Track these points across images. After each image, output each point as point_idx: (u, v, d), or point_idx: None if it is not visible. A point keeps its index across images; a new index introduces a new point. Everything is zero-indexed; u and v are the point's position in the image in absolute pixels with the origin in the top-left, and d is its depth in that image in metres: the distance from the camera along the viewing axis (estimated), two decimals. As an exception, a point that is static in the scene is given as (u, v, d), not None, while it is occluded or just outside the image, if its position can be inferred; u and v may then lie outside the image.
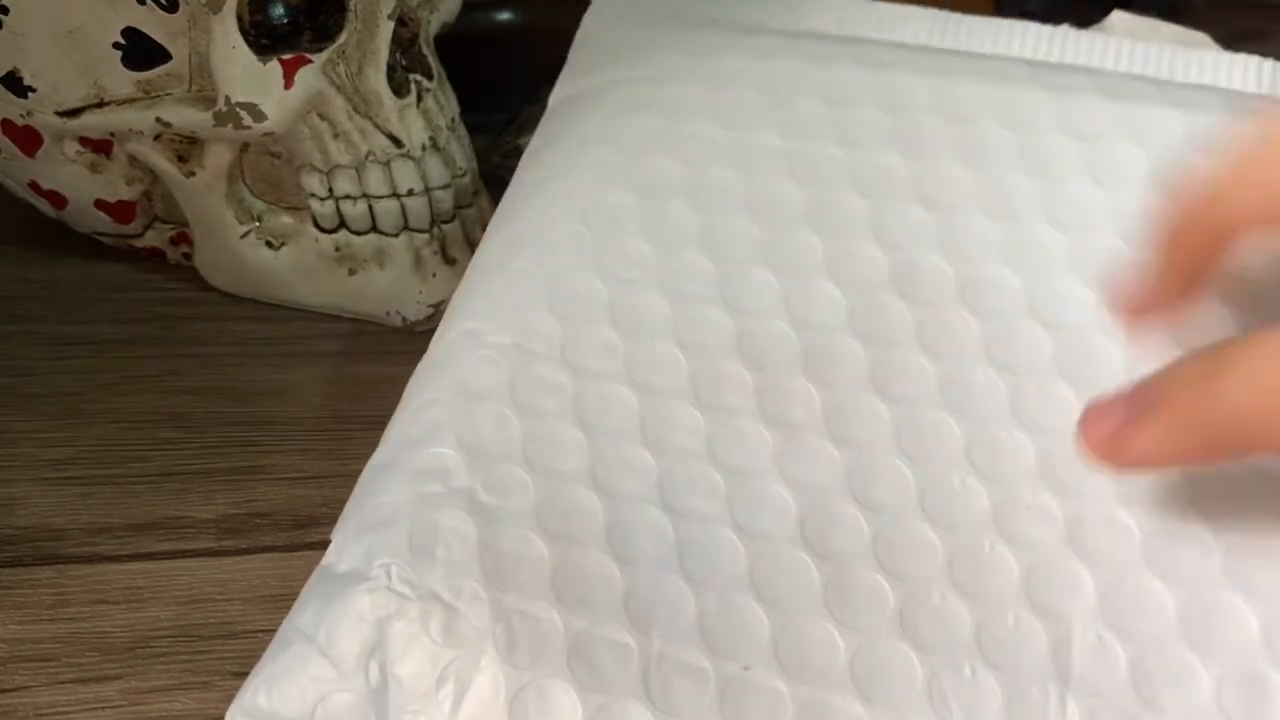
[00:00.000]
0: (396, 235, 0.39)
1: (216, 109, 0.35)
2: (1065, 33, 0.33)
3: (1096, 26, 0.34)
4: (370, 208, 0.38)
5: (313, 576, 0.26)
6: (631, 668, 0.24)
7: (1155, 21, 0.34)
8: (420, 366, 0.30)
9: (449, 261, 0.40)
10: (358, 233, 0.39)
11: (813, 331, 0.28)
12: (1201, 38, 0.34)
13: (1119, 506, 0.25)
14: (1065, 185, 0.30)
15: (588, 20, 0.38)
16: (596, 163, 0.32)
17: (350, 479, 0.28)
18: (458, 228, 0.40)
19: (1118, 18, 0.34)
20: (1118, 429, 0.23)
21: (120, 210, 0.41)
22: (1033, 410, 0.27)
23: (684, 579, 0.25)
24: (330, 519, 0.27)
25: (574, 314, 0.29)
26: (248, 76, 0.35)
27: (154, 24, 0.35)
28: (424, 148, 0.38)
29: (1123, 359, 0.27)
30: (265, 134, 0.36)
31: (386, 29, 0.37)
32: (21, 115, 0.37)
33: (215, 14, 0.34)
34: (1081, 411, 0.24)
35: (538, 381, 0.28)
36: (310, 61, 0.35)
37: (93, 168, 0.39)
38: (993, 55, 0.33)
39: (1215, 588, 0.24)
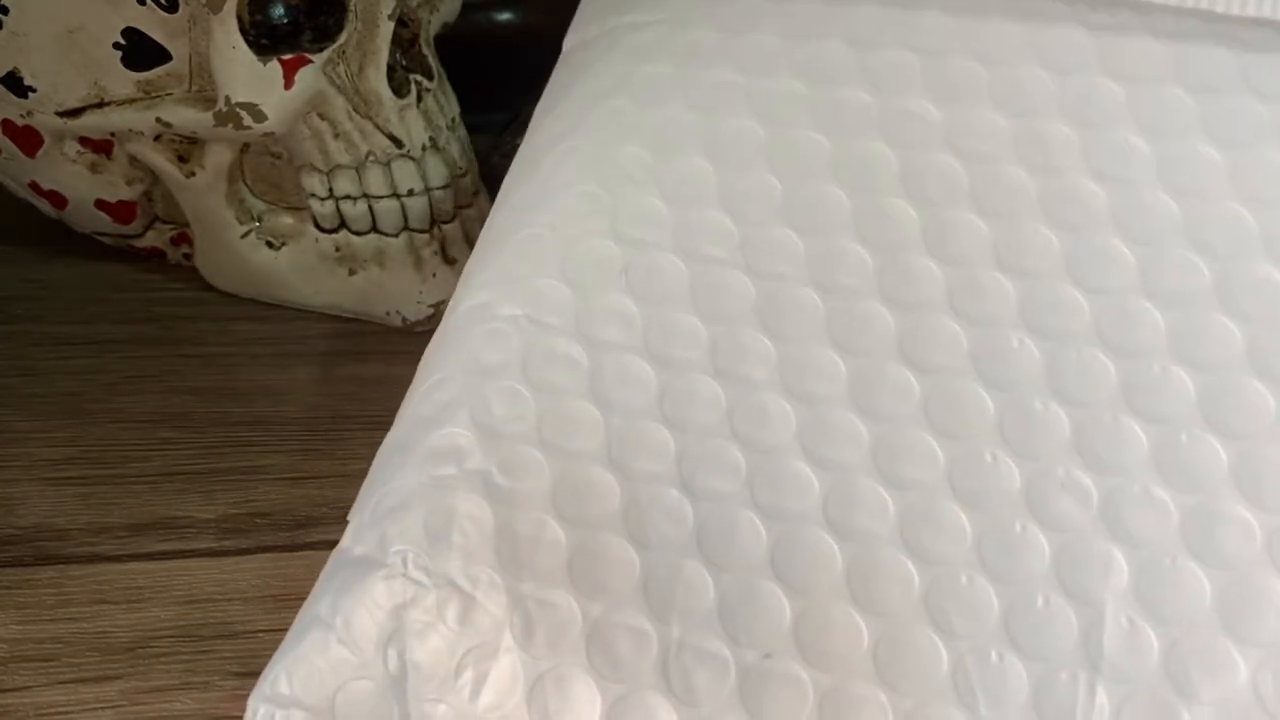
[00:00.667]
0: (397, 235, 0.39)
1: (217, 109, 0.35)
2: None
3: None
4: (370, 208, 0.38)
5: (329, 561, 0.26)
6: (650, 656, 0.24)
7: None
8: (432, 342, 0.29)
9: (449, 261, 0.40)
10: (358, 233, 0.39)
11: (838, 296, 0.27)
12: None
13: (1157, 484, 0.24)
14: (1109, 133, 0.28)
15: None
16: (609, 116, 0.30)
17: (350, 479, 0.28)
18: (458, 228, 0.40)
19: None
20: None
21: (120, 210, 0.41)
22: (1069, 380, 0.25)
23: (703, 563, 0.24)
24: (330, 519, 0.27)
25: (588, 281, 0.28)
26: (248, 76, 0.35)
27: (154, 24, 0.35)
28: (424, 148, 0.38)
29: (1165, 327, 0.26)
30: (265, 134, 0.36)
31: (386, 29, 0.37)
32: (22, 115, 0.37)
33: (215, 14, 0.34)
34: None
35: (551, 356, 0.27)
36: (310, 61, 0.35)
37: (93, 168, 0.39)
38: None
39: (1256, 571, 0.23)
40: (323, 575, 0.26)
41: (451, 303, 0.29)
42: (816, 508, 0.25)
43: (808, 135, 0.29)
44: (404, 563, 0.25)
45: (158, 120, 0.36)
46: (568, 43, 0.35)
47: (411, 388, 0.28)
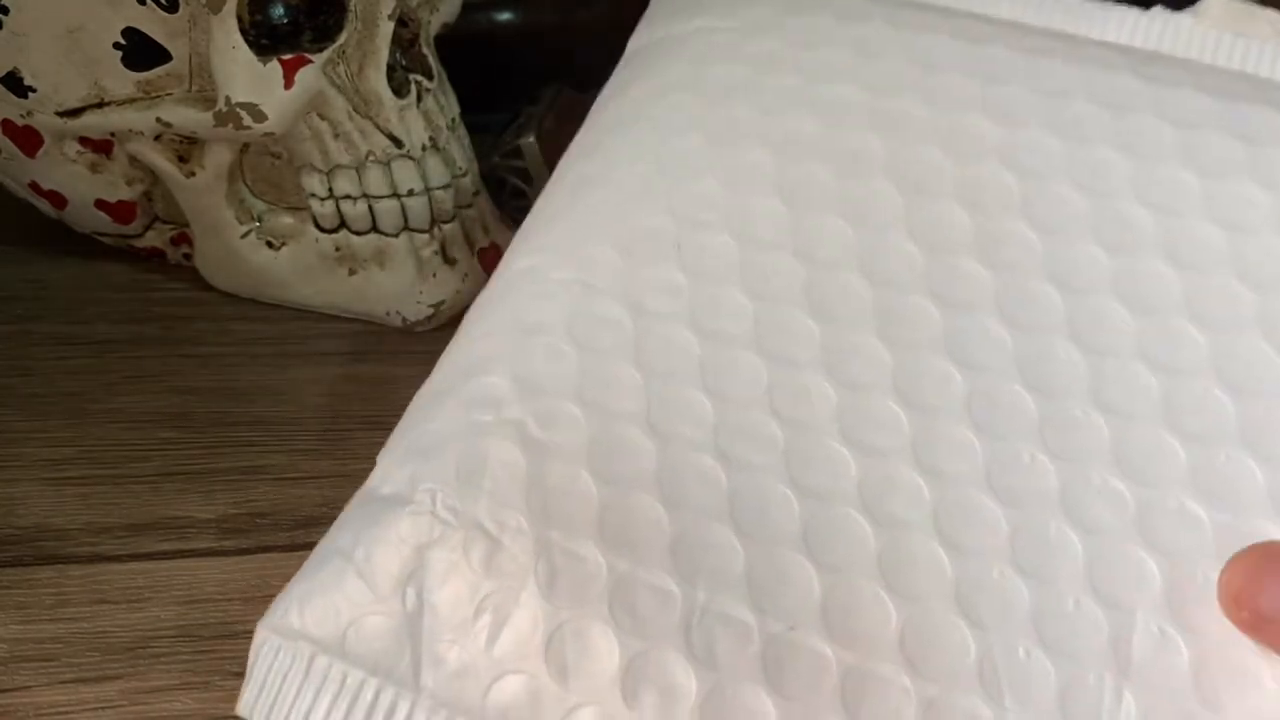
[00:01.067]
0: (397, 235, 0.39)
1: (217, 109, 0.35)
2: (1164, 21, 0.32)
3: (1192, 9, 0.33)
4: (370, 208, 0.38)
5: (353, 499, 0.26)
6: (674, 615, 0.23)
7: (1254, 6, 0.33)
8: (477, 301, 0.29)
9: (449, 262, 0.40)
10: (358, 233, 0.39)
11: (887, 289, 0.27)
12: None
13: (1192, 498, 0.24)
14: (1158, 167, 0.29)
15: None
16: (672, 107, 0.31)
17: (350, 479, 0.28)
18: (458, 228, 0.40)
19: (1214, 1, 0.33)
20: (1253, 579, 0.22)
21: (120, 210, 0.41)
22: (1111, 390, 0.26)
23: (734, 530, 0.24)
24: (330, 519, 0.27)
25: (640, 251, 0.28)
26: (248, 76, 0.35)
27: (154, 24, 0.35)
28: (424, 148, 0.38)
29: (1208, 350, 0.26)
30: (265, 134, 0.36)
31: (386, 29, 0.37)
32: (22, 115, 0.37)
33: (215, 14, 0.34)
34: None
35: (596, 317, 0.27)
36: (310, 61, 0.35)
37: (93, 168, 0.39)
38: (1087, 39, 0.32)
39: None
40: (344, 512, 0.25)
41: (500, 266, 0.29)
42: (852, 489, 0.25)
43: (864, 136, 0.30)
44: (432, 501, 0.24)
45: (158, 120, 0.36)
46: (633, 43, 0.35)
47: (452, 342, 0.28)
